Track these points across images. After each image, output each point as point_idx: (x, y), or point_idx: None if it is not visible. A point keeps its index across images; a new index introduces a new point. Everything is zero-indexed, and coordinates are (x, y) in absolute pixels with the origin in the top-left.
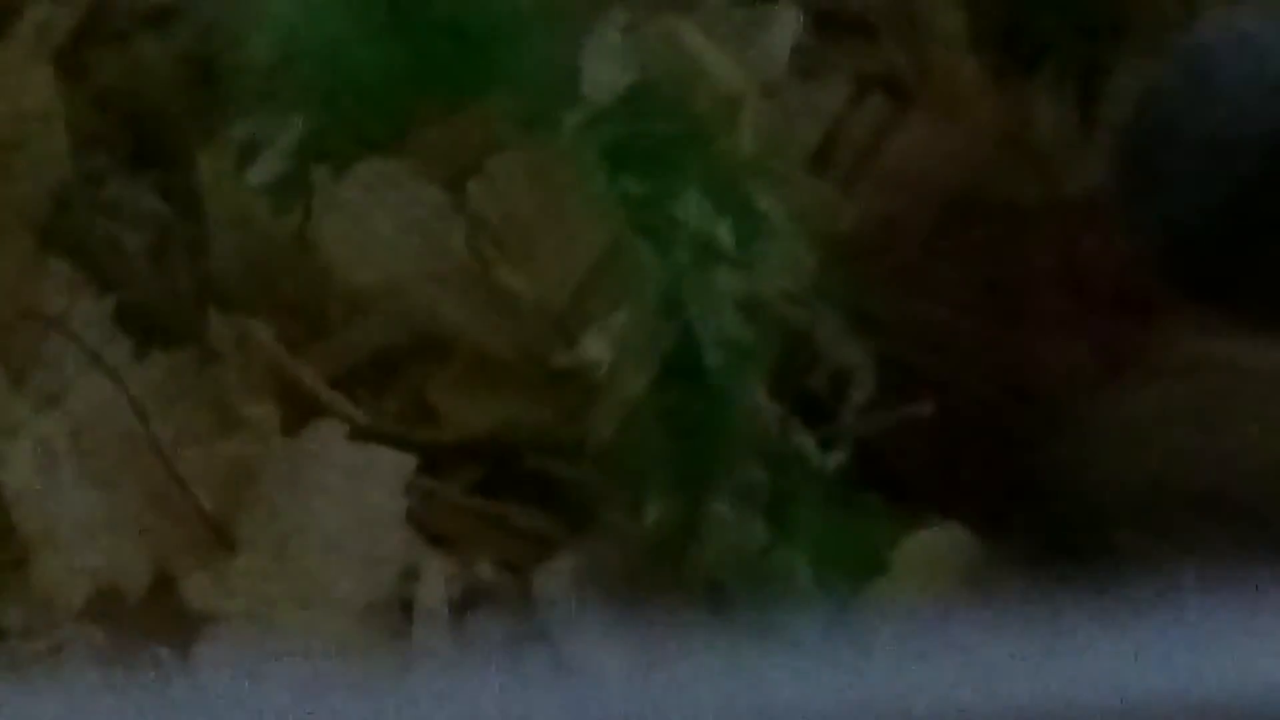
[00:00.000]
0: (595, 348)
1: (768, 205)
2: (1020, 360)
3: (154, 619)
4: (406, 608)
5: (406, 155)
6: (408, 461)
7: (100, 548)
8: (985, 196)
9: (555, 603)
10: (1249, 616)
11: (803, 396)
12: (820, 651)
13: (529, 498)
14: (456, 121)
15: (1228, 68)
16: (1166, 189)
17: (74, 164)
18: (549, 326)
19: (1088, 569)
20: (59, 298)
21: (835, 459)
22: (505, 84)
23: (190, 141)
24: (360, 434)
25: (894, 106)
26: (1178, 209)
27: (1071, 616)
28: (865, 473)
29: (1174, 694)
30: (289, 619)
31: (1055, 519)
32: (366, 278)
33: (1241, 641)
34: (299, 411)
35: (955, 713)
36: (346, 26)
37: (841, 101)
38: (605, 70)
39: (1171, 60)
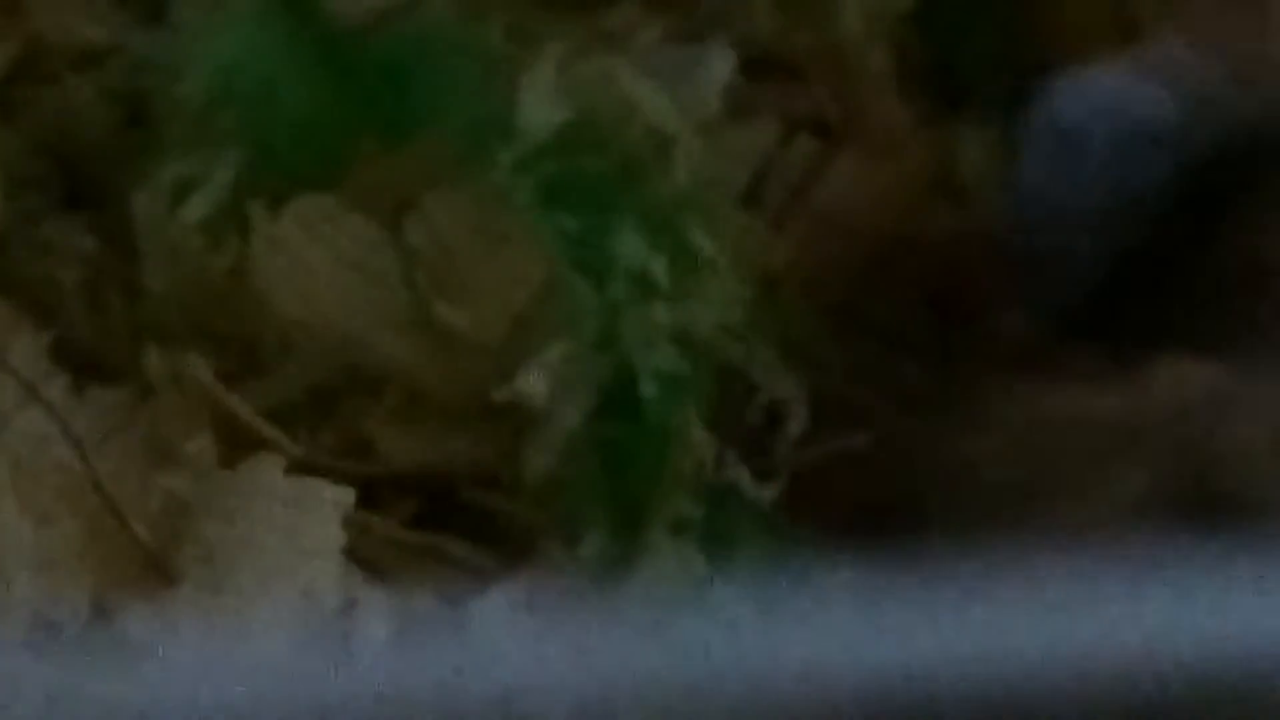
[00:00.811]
0: (532, 382)
1: (701, 242)
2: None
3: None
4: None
5: (343, 192)
6: (346, 495)
7: (38, 580)
8: (913, 235)
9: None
10: None
11: (738, 430)
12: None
13: (466, 531)
14: (392, 159)
15: (1083, 123)
16: (1038, 236)
17: (6, 203)
18: (486, 361)
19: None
20: None
21: (769, 492)
22: (440, 122)
23: (124, 180)
24: (298, 468)
25: (822, 147)
26: (1050, 254)
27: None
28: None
29: None
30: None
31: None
32: (303, 313)
33: None
34: (236, 446)
35: None
36: (280, 65)
37: (771, 142)
38: (540, 107)
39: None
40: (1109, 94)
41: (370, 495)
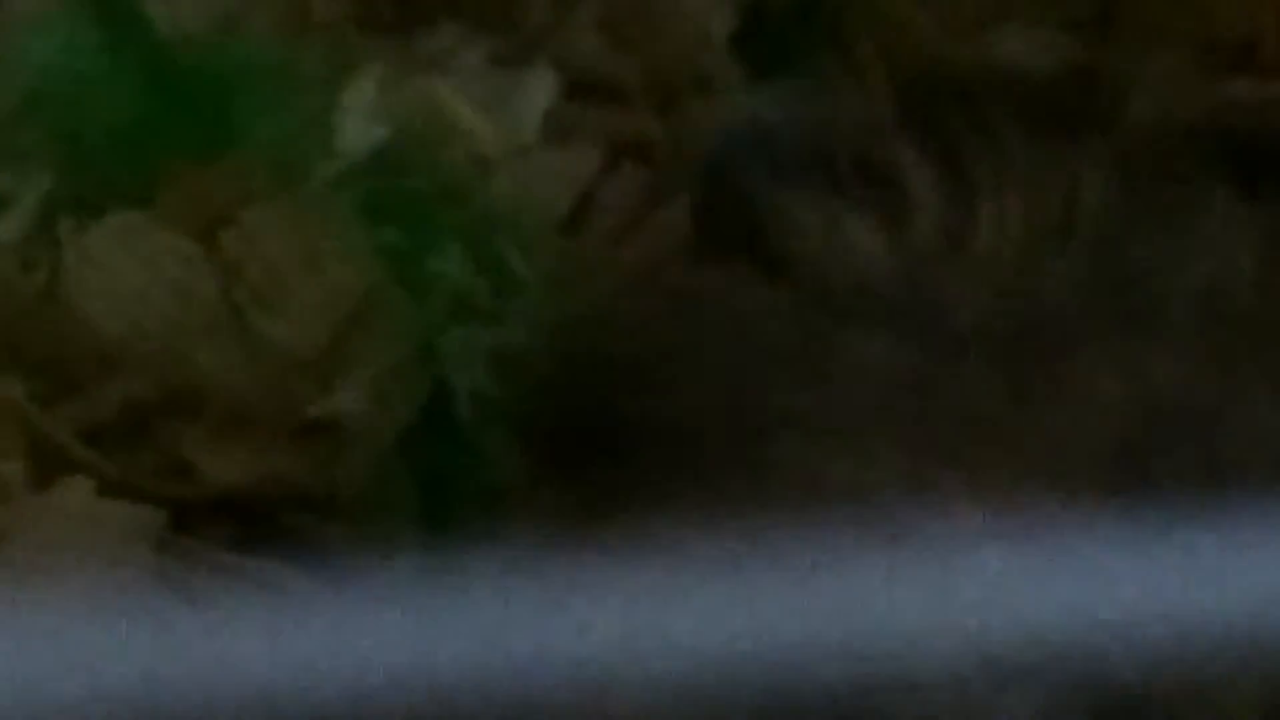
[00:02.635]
0: (349, 398)
1: (517, 265)
2: None
3: None
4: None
5: (156, 207)
6: (158, 516)
7: None
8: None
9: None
10: None
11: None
12: None
13: (284, 553)
14: (205, 174)
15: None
16: None
17: None
18: (304, 376)
19: None
20: None
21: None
22: (255, 138)
23: None
24: (111, 489)
25: (646, 173)
26: None
27: None
28: None
29: None
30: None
31: None
32: (119, 330)
33: None
34: (50, 469)
35: None
36: (96, 73)
37: (593, 167)
38: (360, 126)
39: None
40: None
41: (187, 517)
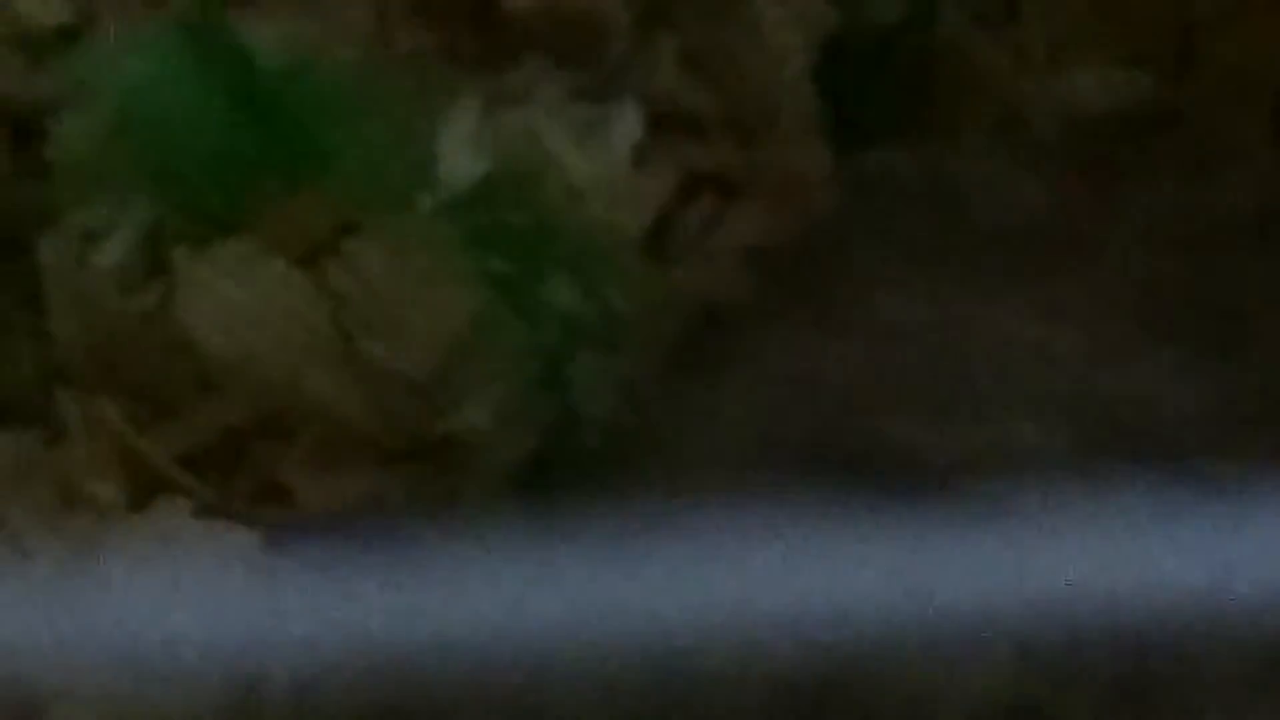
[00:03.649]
0: (476, 415)
1: (618, 294)
2: None
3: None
4: (253, 688)
5: (250, 234)
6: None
7: None
8: None
9: None
10: None
11: None
12: None
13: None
14: (300, 202)
15: None
16: None
17: None
18: (415, 399)
19: None
20: None
21: None
22: (346, 166)
23: (31, 230)
24: (207, 512)
25: (724, 203)
26: None
27: None
28: None
29: None
30: (135, 693)
31: None
32: (224, 355)
33: None
34: (146, 490)
35: None
36: (190, 98)
37: (671, 196)
38: (461, 157)
39: None
40: None
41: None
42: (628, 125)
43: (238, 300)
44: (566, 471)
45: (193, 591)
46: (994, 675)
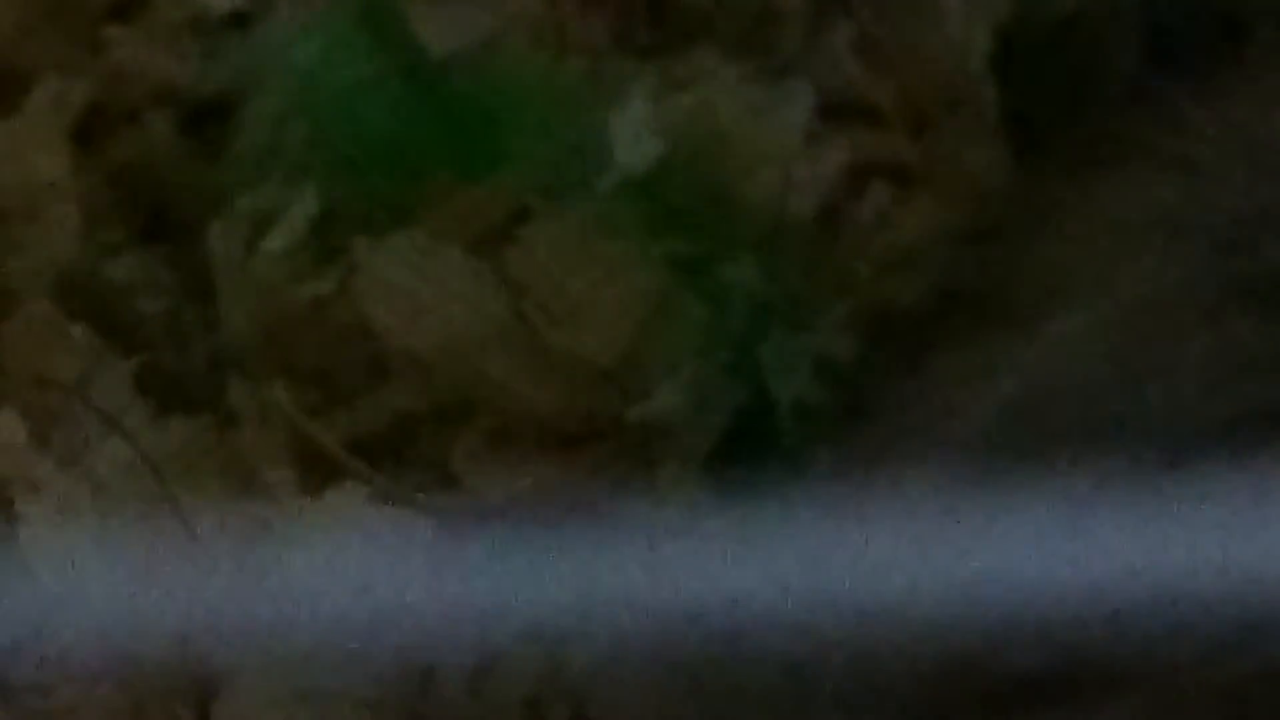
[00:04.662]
0: (667, 399)
1: (795, 276)
2: None
3: (173, 679)
4: (428, 674)
5: (432, 222)
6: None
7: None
8: None
9: None
10: None
11: None
12: None
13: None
14: (475, 191)
15: None
16: None
17: (86, 236)
18: (601, 385)
19: None
20: (79, 361)
21: None
22: (521, 156)
23: (203, 215)
24: (379, 498)
25: (897, 191)
26: None
27: None
28: None
29: None
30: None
31: None
32: (401, 343)
33: None
34: (317, 476)
35: None
36: (352, 89)
37: (843, 184)
38: (636, 139)
39: None
40: None
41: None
42: (799, 105)
43: (415, 288)
44: (758, 453)
45: (366, 577)
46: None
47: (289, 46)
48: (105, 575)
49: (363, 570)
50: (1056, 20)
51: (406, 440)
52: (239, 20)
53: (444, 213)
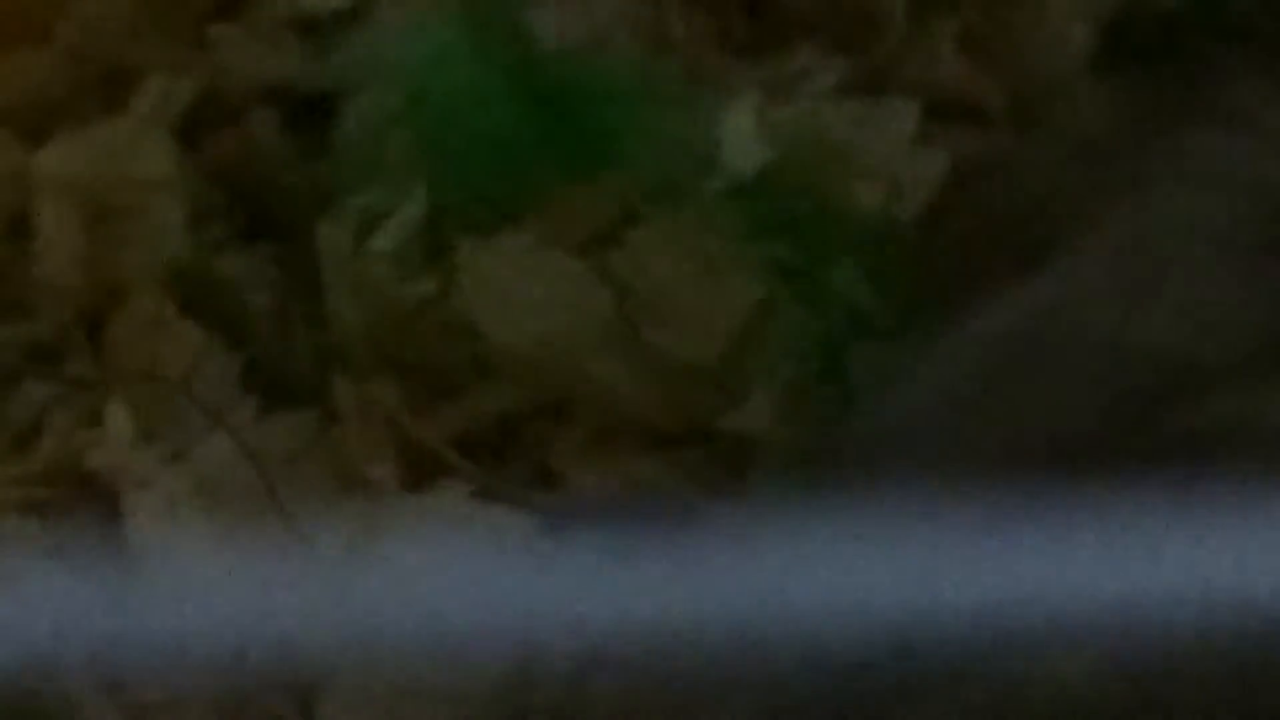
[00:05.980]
0: (761, 402)
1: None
2: None
3: (276, 675)
4: (528, 672)
5: (538, 224)
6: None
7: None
8: None
9: None
10: None
11: None
12: None
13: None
14: (583, 192)
15: None
16: None
17: (191, 234)
18: (701, 387)
19: None
20: (185, 356)
21: None
22: (629, 156)
23: (307, 211)
24: (483, 495)
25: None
26: None
27: None
28: None
29: None
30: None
31: None
32: (505, 342)
33: None
34: (421, 472)
35: None
36: (462, 89)
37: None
38: (746, 145)
39: None
40: None
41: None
42: (906, 114)
43: (520, 288)
44: (845, 457)
45: (469, 574)
46: None
47: (395, 45)
48: (209, 570)
49: (464, 567)
50: (1161, 16)
51: (508, 439)
52: (343, 18)
53: (550, 214)
